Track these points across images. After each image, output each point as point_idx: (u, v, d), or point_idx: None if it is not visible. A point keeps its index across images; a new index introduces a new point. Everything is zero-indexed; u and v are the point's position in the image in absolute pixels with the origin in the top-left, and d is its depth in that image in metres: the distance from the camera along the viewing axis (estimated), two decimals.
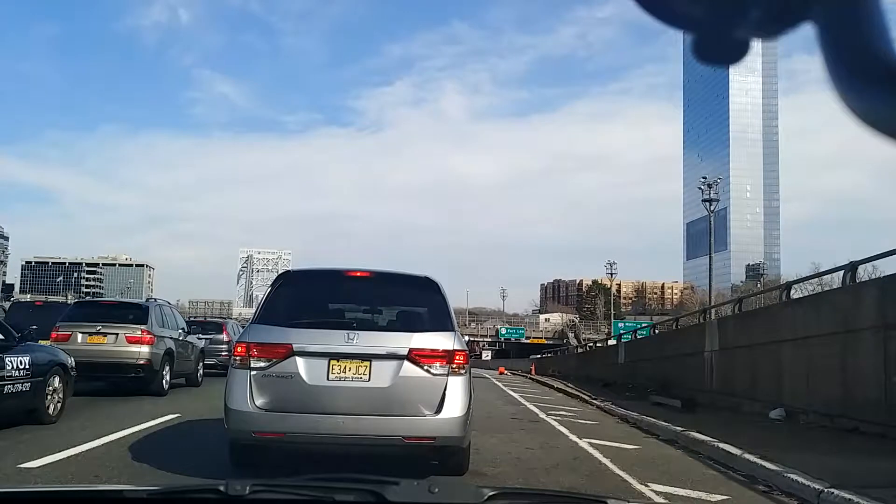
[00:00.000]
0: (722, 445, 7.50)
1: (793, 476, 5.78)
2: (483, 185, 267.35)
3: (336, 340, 5.46)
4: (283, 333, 5.51)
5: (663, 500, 5.74)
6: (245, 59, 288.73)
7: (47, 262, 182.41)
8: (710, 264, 39.28)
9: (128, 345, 12.21)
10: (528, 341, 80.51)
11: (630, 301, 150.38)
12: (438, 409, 5.41)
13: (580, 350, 38.93)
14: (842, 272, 9.75)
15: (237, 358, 5.52)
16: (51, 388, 8.38)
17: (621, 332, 33.94)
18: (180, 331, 14.19)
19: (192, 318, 24.70)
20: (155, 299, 15.85)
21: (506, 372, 35.65)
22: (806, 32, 0.67)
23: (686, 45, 0.75)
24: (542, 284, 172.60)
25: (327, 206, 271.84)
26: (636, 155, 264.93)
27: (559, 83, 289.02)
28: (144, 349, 12.24)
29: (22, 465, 5.81)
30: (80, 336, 12.12)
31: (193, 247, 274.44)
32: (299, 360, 5.39)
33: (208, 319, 24.77)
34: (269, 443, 5.51)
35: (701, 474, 6.79)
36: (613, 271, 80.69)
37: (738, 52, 0.71)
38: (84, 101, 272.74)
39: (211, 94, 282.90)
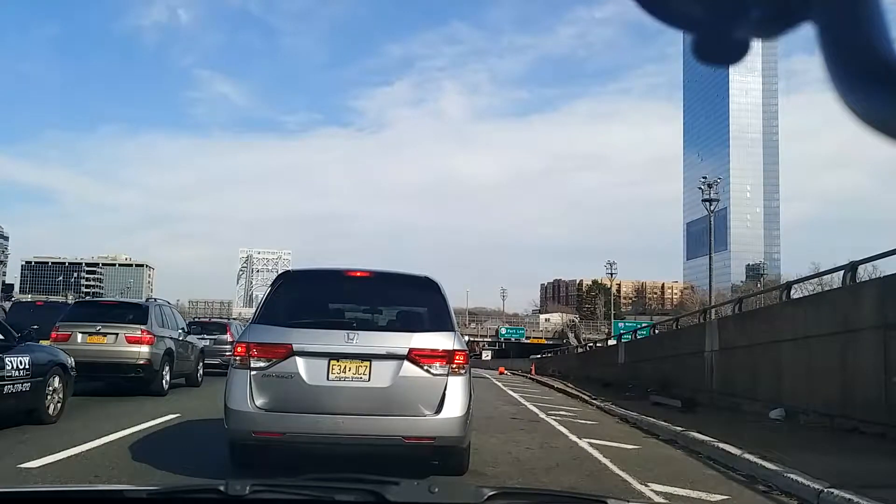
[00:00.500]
0: (722, 445, 7.50)
1: (793, 476, 5.78)
2: (483, 185, 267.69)
3: (336, 340, 5.47)
4: (283, 333, 5.51)
5: (663, 500, 5.74)
6: (245, 59, 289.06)
7: (47, 262, 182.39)
8: (710, 264, 39.30)
9: (128, 345, 12.20)
10: (528, 341, 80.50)
11: (630, 301, 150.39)
12: (438, 409, 5.41)
13: (580, 350, 38.94)
14: (842, 272, 9.75)
15: (237, 358, 5.52)
16: (51, 388, 8.38)
17: (621, 332, 33.91)
18: (180, 331, 14.19)
19: (197, 319, 24.86)
20: (155, 299, 15.84)
21: (506, 372, 35.66)
22: (806, 32, 0.67)
23: (686, 45, 0.75)
24: (542, 284, 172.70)
25: (327, 206, 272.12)
26: (636, 155, 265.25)
27: (559, 83, 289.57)
28: (144, 349, 12.24)
29: (22, 465, 5.81)
30: (80, 336, 12.12)
31: (193, 247, 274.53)
32: (299, 360, 5.39)
33: (213, 320, 24.95)
34: (269, 443, 5.51)
35: (701, 474, 6.79)
36: (613, 271, 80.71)
37: (738, 52, 0.71)
38: (84, 101, 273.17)
39: (211, 94, 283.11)
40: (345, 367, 5.41)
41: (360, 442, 5.41)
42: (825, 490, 5.23)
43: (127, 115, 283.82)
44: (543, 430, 10.07)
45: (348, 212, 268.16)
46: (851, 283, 9.35)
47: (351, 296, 6.50)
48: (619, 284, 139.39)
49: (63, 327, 12.25)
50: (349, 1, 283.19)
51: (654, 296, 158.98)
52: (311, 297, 6.29)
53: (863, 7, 0.64)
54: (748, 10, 0.68)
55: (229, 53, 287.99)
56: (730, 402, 12.14)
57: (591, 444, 8.42)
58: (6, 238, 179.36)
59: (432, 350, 5.51)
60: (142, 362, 12.16)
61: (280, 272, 7.26)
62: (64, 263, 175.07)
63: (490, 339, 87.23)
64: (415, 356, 5.46)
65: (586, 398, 16.36)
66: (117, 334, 12.25)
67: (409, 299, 6.36)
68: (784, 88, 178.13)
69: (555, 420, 11.29)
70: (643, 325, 30.63)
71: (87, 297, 59.24)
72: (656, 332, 22.61)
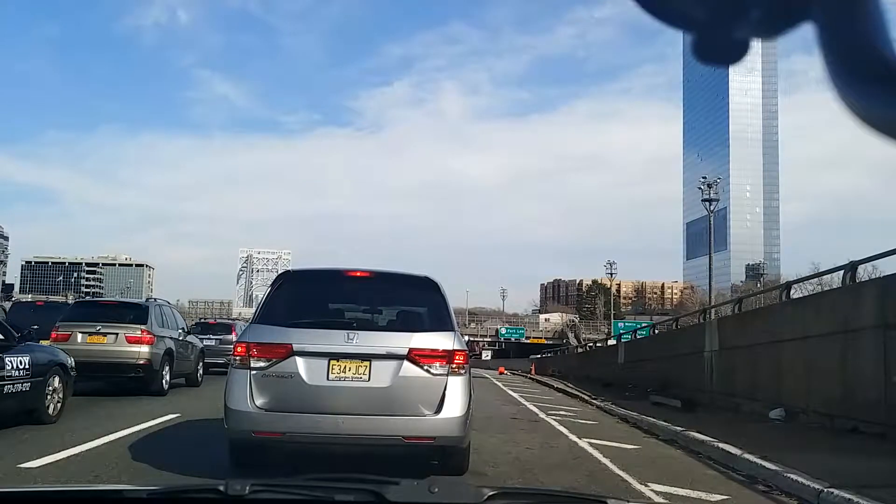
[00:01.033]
0: (722, 445, 7.50)
1: (793, 476, 5.78)
2: (483, 185, 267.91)
3: (336, 340, 5.46)
4: (283, 333, 5.51)
5: (663, 500, 5.74)
6: (244, 60, 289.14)
7: (47, 262, 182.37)
8: (709, 264, 39.32)
9: (128, 345, 12.21)
10: (528, 341, 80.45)
11: (630, 301, 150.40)
12: (438, 409, 5.41)
13: (580, 350, 38.92)
14: (842, 272, 9.75)
15: (237, 358, 5.52)
16: (51, 388, 8.38)
17: (621, 332, 33.93)
18: (180, 331, 14.19)
19: (203, 320, 25.06)
20: (155, 299, 15.83)
21: (505, 372, 35.64)
22: (806, 32, 0.67)
23: (686, 45, 0.75)
24: (542, 284, 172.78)
25: (327, 206, 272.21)
26: (636, 155, 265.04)
27: (558, 83, 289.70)
28: (144, 349, 12.24)
29: (22, 465, 5.81)
30: (80, 336, 12.12)
31: (193, 247, 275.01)
32: (299, 360, 5.39)
33: (219, 321, 25.32)
34: (269, 442, 5.51)
35: (701, 474, 6.79)
36: (613, 271, 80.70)
37: (738, 52, 0.71)
38: (84, 101, 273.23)
39: (210, 94, 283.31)
40: (345, 367, 5.41)
41: (360, 442, 5.41)
42: (825, 490, 5.23)
43: (127, 115, 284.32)
44: (543, 429, 10.07)
45: (348, 212, 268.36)
46: (851, 283, 9.34)
47: (351, 296, 6.50)
48: (619, 284, 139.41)
49: (63, 327, 12.25)
50: (349, 1, 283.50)
51: (654, 296, 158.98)
52: (311, 297, 6.29)
53: (862, 7, 0.64)
54: (748, 10, 0.68)
55: (229, 53, 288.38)
56: (730, 402, 12.14)
57: (591, 444, 8.42)
58: (6, 238, 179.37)
59: (432, 350, 5.51)
60: (142, 362, 12.16)
61: (280, 272, 7.26)
62: (64, 263, 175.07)
63: (490, 339, 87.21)
64: (415, 356, 5.46)
65: (586, 398, 16.36)
66: (117, 334, 12.25)
67: (409, 299, 6.36)
68: (784, 88, 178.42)
69: (555, 420, 11.29)
70: (643, 325, 30.61)
71: (87, 297, 59.22)
72: (656, 332, 22.60)
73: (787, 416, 9.94)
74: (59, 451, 6.40)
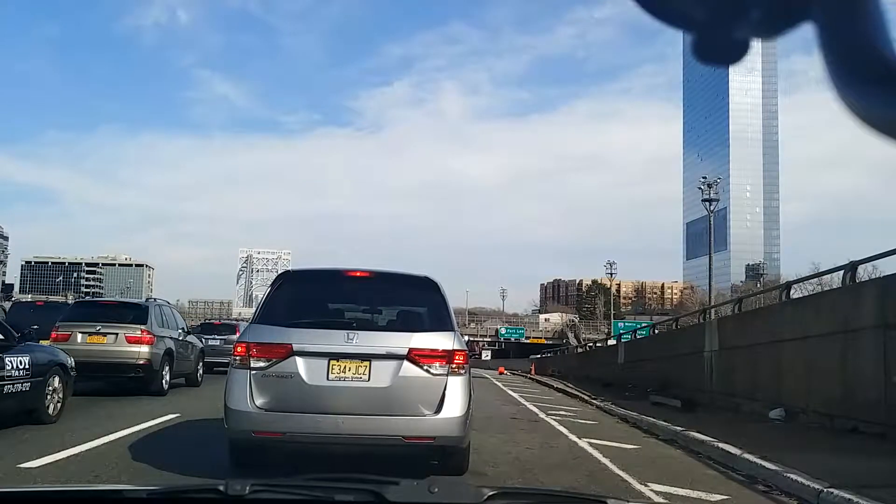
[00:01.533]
0: (722, 445, 7.50)
1: (792, 476, 5.78)
2: (483, 185, 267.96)
3: (336, 340, 5.46)
4: (283, 333, 5.51)
5: (663, 500, 5.74)
6: (244, 60, 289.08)
7: (47, 262, 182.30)
8: (709, 264, 39.31)
9: (128, 345, 12.21)
10: (528, 341, 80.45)
11: (630, 301, 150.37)
12: (438, 409, 5.41)
13: (580, 350, 38.91)
14: (842, 272, 9.75)
15: (237, 358, 5.51)
16: (51, 388, 8.38)
17: (621, 332, 33.92)
18: (180, 331, 14.19)
19: (208, 320, 25.28)
20: (155, 299, 15.84)
21: (505, 372, 35.65)
22: (806, 32, 0.67)
23: (686, 45, 0.75)
24: (541, 284, 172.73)
25: (327, 206, 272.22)
26: (636, 155, 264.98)
27: (558, 83, 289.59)
28: (144, 349, 12.24)
29: (22, 465, 5.81)
30: (79, 336, 12.12)
31: (193, 247, 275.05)
32: (299, 360, 5.39)
33: (224, 321, 25.64)
34: (269, 443, 5.50)
35: (701, 474, 6.79)
36: (613, 271, 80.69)
37: (738, 52, 0.71)
38: (84, 101, 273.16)
39: (210, 95, 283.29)
40: (345, 367, 5.41)
41: (359, 442, 5.41)
42: (825, 490, 5.23)
43: (127, 115, 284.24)
44: (543, 429, 10.07)
45: (348, 212, 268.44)
46: (851, 283, 9.34)
47: (351, 296, 6.50)
48: (619, 284, 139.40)
49: (63, 327, 12.25)
50: (349, 1, 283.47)
51: (654, 296, 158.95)
52: (311, 297, 6.29)
53: (862, 7, 0.64)
54: (748, 10, 0.68)
55: (229, 54, 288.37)
56: (730, 402, 12.14)
57: (591, 444, 8.42)
58: (6, 238, 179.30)
59: (432, 350, 5.51)
60: (142, 362, 12.16)
61: (280, 272, 7.26)
62: (64, 263, 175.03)
63: (490, 339, 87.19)
64: (414, 356, 5.46)
65: (586, 398, 16.36)
66: (117, 334, 12.25)
67: (409, 299, 6.36)
68: (784, 88, 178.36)
69: (555, 420, 11.29)
70: (643, 325, 30.62)
71: (87, 297, 59.22)
72: (656, 332, 22.60)
73: (787, 416, 9.94)
74: (59, 451, 6.39)
